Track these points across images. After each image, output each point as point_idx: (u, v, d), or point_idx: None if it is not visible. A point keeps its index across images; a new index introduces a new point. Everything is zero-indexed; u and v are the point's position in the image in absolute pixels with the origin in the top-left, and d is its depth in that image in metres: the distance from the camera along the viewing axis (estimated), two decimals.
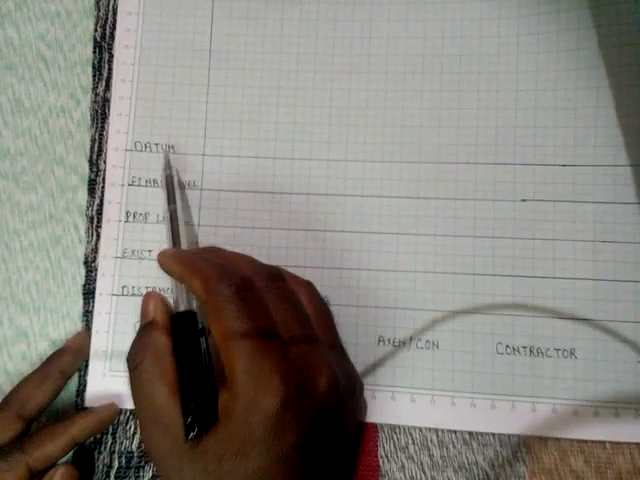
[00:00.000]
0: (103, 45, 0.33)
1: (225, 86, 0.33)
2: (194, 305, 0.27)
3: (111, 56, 0.33)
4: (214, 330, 0.25)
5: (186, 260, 0.27)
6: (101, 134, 0.33)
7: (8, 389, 0.29)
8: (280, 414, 0.23)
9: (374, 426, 0.30)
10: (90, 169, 0.33)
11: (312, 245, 0.31)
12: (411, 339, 0.30)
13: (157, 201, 0.32)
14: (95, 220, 0.32)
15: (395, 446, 0.29)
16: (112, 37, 0.33)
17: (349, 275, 0.31)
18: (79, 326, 0.31)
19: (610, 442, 0.29)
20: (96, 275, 0.31)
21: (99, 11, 0.34)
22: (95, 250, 0.32)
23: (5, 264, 0.32)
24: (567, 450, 0.29)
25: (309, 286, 0.29)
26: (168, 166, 0.31)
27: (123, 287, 0.31)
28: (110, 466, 0.30)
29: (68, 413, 0.31)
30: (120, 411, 0.30)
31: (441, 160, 0.31)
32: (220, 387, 0.24)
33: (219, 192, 0.32)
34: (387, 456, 0.29)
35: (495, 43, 0.32)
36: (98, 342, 0.31)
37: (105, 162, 0.32)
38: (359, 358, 0.30)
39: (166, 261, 0.28)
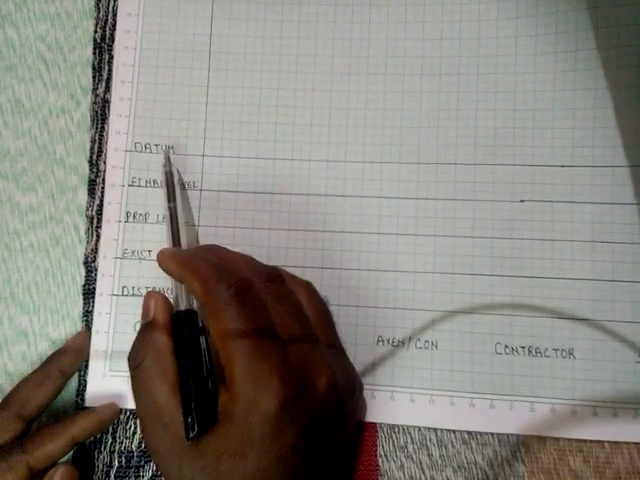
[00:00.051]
0: (103, 46, 0.34)
1: (225, 87, 0.33)
2: (194, 304, 0.27)
3: (111, 57, 0.33)
4: (213, 331, 0.25)
5: (185, 260, 0.27)
6: (101, 135, 0.33)
7: (8, 389, 0.29)
8: (279, 415, 0.23)
9: (373, 426, 0.30)
10: (90, 170, 0.33)
11: (311, 245, 0.31)
12: (410, 339, 0.30)
13: (157, 202, 0.32)
14: (95, 220, 0.32)
15: (394, 446, 0.30)
16: (112, 38, 0.33)
17: (348, 275, 0.31)
18: (79, 326, 0.32)
19: (609, 442, 0.29)
20: (96, 275, 0.31)
21: (99, 12, 0.34)
22: (95, 250, 0.32)
23: (5, 264, 0.32)
24: (566, 450, 0.29)
25: (308, 286, 0.29)
26: (168, 163, 0.31)
27: (123, 287, 0.31)
28: (110, 465, 0.30)
29: (68, 413, 0.31)
30: (120, 411, 0.30)
31: (440, 161, 0.31)
32: (220, 387, 0.25)
33: (219, 193, 0.32)
34: (386, 455, 0.30)
35: (494, 44, 0.32)
36: (98, 342, 0.31)
37: (105, 163, 0.32)
38: (358, 358, 0.30)
39: (165, 261, 0.28)
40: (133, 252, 0.31)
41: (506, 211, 0.31)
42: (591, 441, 0.29)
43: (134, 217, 0.32)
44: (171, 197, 0.30)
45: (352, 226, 0.31)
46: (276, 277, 0.28)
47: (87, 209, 0.32)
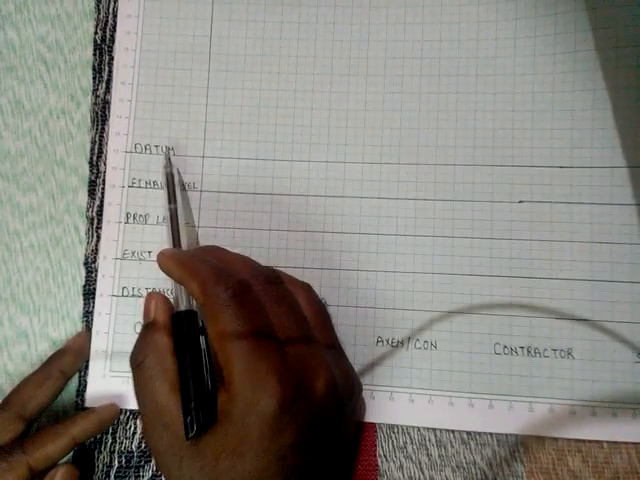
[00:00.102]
0: (103, 47, 0.34)
1: (225, 88, 0.33)
2: (194, 304, 0.27)
3: (111, 58, 0.33)
4: (211, 332, 0.25)
5: (184, 262, 0.27)
6: (101, 136, 0.33)
7: (8, 389, 0.29)
8: (277, 415, 0.23)
9: (373, 426, 0.30)
10: (90, 171, 0.33)
11: (311, 246, 0.31)
12: (409, 339, 0.30)
13: (157, 203, 0.32)
14: (95, 221, 0.32)
15: (393, 446, 0.30)
16: (112, 39, 0.34)
17: (348, 276, 0.31)
18: (79, 327, 0.32)
19: (607, 442, 0.29)
20: (96, 276, 0.32)
21: (99, 14, 0.34)
22: (95, 251, 0.32)
23: (5, 265, 0.32)
24: (565, 450, 0.29)
25: (307, 288, 0.29)
26: (169, 164, 0.31)
27: (123, 288, 0.31)
28: (110, 466, 0.30)
29: (68, 413, 0.31)
30: (120, 411, 0.30)
31: (439, 162, 0.31)
32: (219, 387, 0.25)
33: (219, 194, 0.32)
34: (386, 456, 0.30)
35: (492, 46, 0.32)
36: (98, 343, 0.31)
37: (105, 164, 0.33)
38: (358, 358, 0.30)
39: (165, 262, 0.28)
40: (133, 253, 0.32)
41: (505, 212, 0.31)
42: (590, 441, 0.29)
43: (134, 218, 0.32)
44: (171, 198, 0.30)
45: (351, 227, 0.31)
46: (274, 278, 0.28)
47: (87, 210, 0.33)
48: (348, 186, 0.32)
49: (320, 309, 0.29)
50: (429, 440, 0.30)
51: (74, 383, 0.31)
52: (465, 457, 0.29)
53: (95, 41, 0.34)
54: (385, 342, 0.30)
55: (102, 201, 0.32)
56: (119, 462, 0.30)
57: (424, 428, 0.30)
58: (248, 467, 0.23)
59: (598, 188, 0.30)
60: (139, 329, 0.30)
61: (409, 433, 0.30)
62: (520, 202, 0.31)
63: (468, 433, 0.29)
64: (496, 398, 0.29)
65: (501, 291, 0.30)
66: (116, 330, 0.31)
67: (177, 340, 0.26)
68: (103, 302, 0.31)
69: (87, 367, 0.31)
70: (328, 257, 0.31)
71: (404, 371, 0.30)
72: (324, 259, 0.31)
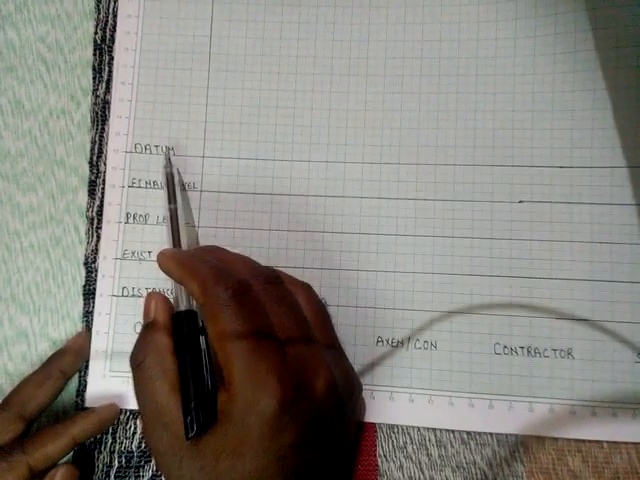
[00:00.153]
0: (103, 47, 0.34)
1: (225, 88, 0.33)
2: (194, 304, 0.27)
3: (111, 58, 0.33)
4: (211, 332, 0.25)
5: (184, 262, 0.27)
6: (101, 136, 0.33)
7: (8, 389, 0.29)
8: (277, 415, 0.23)
9: (373, 426, 0.30)
10: (90, 171, 0.33)
11: (311, 246, 0.31)
12: (409, 339, 0.30)
13: (157, 203, 0.32)
14: (95, 221, 0.32)
15: (393, 446, 0.30)
16: (112, 39, 0.34)
17: (348, 276, 0.31)
18: (79, 327, 0.32)
19: (607, 442, 0.29)
20: (96, 276, 0.32)
21: (99, 14, 0.34)
22: (95, 251, 0.32)
23: (5, 265, 0.32)
24: (565, 450, 0.29)
25: (307, 288, 0.29)
26: (169, 164, 0.31)
27: (123, 288, 0.31)
28: (110, 466, 0.30)
29: (68, 413, 0.31)
30: (120, 411, 0.30)
31: (439, 162, 0.31)
32: (219, 387, 0.25)
33: (219, 194, 0.32)
34: (386, 456, 0.30)
35: (492, 46, 0.32)
36: (98, 343, 0.31)
37: (105, 164, 0.33)
38: (358, 358, 0.30)
39: (165, 262, 0.28)
40: (133, 253, 0.32)
41: (505, 212, 0.31)
42: (590, 441, 0.29)
43: (134, 218, 0.32)
44: (171, 198, 0.30)
45: (351, 227, 0.31)
46: (274, 279, 0.28)
47: (87, 210, 0.33)
48: (348, 186, 0.32)
49: (320, 309, 0.29)
50: (429, 440, 0.30)
51: (74, 383, 0.31)
52: (465, 457, 0.29)
53: (95, 41, 0.34)
54: (385, 342, 0.30)
55: (102, 201, 0.32)
56: (119, 462, 0.30)
57: (424, 428, 0.30)
58: (248, 467, 0.23)
59: (598, 188, 0.30)
60: (139, 329, 0.30)
61: (409, 433, 0.30)
62: (520, 202, 0.31)
63: (468, 433, 0.30)
64: (496, 398, 0.29)
65: (501, 291, 0.30)
66: (116, 330, 0.31)
67: (177, 340, 0.26)
68: (103, 302, 0.31)
69: (87, 367, 0.31)
70: (328, 257, 0.31)
71: (404, 371, 0.30)
72: (324, 259, 0.31)
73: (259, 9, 0.33)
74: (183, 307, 0.27)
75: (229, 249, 0.30)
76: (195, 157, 0.32)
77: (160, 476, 0.30)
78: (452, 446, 0.29)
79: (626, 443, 0.29)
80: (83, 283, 0.32)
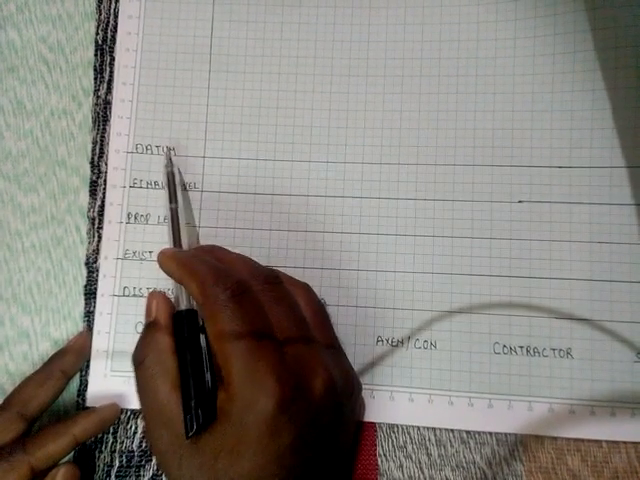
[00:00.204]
0: (104, 48, 0.34)
1: (225, 89, 0.33)
2: (195, 303, 0.27)
3: (112, 59, 0.34)
4: (210, 333, 0.25)
5: (184, 262, 0.27)
6: (102, 136, 0.33)
7: (10, 389, 0.29)
8: (275, 415, 0.23)
9: (373, 425, 0.30)
10: (91, 171, 0.33)
11: (311, 246, 0.32)
12: (409, 339, 0.30)
13: (158, 203, 0.32)
14: (96, 221, 0.32)
15: (393, 445, 0.30)
16: (113, 40, 0.34)
17: (348, 276, 0.31)
18: (80, 326, 0.32)
19: (607, 441, 0.29)
20: (97, 276, 0.32)
21: (100, 14, 0.34)
22: (96, 251, 0.32)
23: (7, 265, 0.32)
24: (564, 449, 0.29)
25: (306, 288, 0.29)
26: (170, 164, 0.31)
27: (124, 288, 0.31)
28: (111, 465, 0.30)
29: (70, 413, 0.31)
30: (121, 411, 0.30)
31: (439, 162, 0.32)
32: (219, 386, 0.25)
33: (219, 194, 0.32)
34: (385, 455, 0.30)
35: (492, 46, 0.32)
36: (99, 342, 0.31)
37: (106, 164, 0.33)
38: (358, 358, 0.30)
39: (165, 261, 0.28)
40: (134, 253, 0.32)
41: (504, 212, 0.31)
42: (589, 440, 0.29)
43: (135, 218, 0.32)
44: (172, 198, 0.30)
45: (351, 227, 0.31)
46: (274, 279, 0.28)
47: (88, 210, 0.33)
48: (348, 186, 0.32)
49: (319, 309, 0.29)
50: (429, 439, 0.30)
51: (75, 383, 0.31)
52: (465, 456, 0.29)
53: (96, 42, 0.34)
54: (385, 342, 0.30)
55: (103, 201, 0.32)
56: (120, 461, 0.30)
57: (424, 427, 0.30)
58: (246, 466, 0.23)
59: (597, 188, 0.30)
60: (140, 329, 0.30)
61: (409, 432, 0.30)
62: (519, 202, 0.31)
63: (468, 432, 0.30)
64: (495, 397, 0.29)
65: (500, 291, 0.30)
66: (117, 330, 0.31)
67: (178, 339, 0.26)
68: (104, 302, 0.31)
69: (88, 367, 0.31)
70: (328, 257, 0.31)
71: (404, 371, 0.30)
72: (324, 259, 0.31)
73: (259, 10, 0.33)
74: (184, 306, 0.27)
75: (230, 249, 0.30)
76: (196, 157, 0.32)
77: (161, 475, 0.30)
78: (452, 445, 0.30)
79: (625, 442, 0.29)
80: (84, 283, 0.32)
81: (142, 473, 0.30)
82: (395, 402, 0.30)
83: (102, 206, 0.32)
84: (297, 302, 0.28)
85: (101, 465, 0.30)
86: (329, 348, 0.28)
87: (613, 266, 0.30)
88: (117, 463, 0.30)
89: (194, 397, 0.24)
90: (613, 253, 0.30)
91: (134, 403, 0.30)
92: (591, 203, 0.30)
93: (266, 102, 0.33)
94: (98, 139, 0.33)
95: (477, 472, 0.29)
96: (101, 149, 0.33)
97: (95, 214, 0.32)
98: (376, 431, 0.30)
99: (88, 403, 0.31)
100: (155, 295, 0.28)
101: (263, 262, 0.30)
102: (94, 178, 0.33)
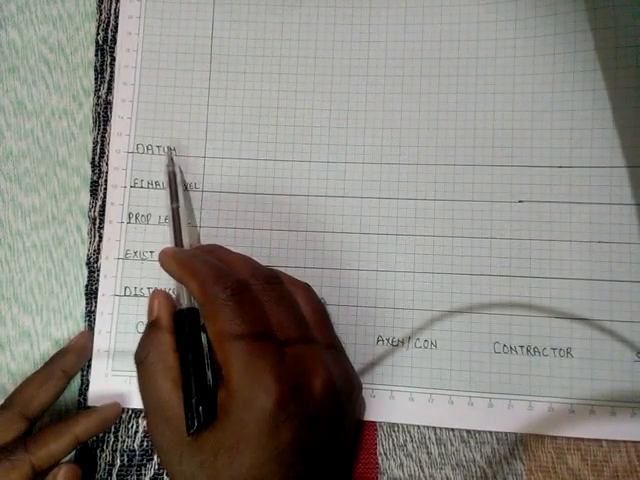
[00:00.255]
0: (105, 48, 0.34)
1: (226, 89, 0.33)
2: (196, 302, 0.28)
3: (113, 59, 0.34)
4: (210, 332, 0.25)
5: (185, 261, 0.27)
6: (103, 136, 0.33)
7: (11, 389, 0.29)
8: (275, 413, 0.23)
9: (373, 424, 0.30)
10: (92, 171, 0.33)
11: (312, 246, 0.32)
12: (409, 339, 0.30)
13: (159, 203, 0.32)
14: (97, 221, 0.32)
15: (394, 444, 0.30)
16: (114, 40, 0.34)
17: (348, 276, 0.31)
18: (82, 326, 0.32)
19: (607, 440, 0.29)
20: (98, 276, 0.32)
21: (101, 14, 0.34)
22: (97, 251, 0.32)
23: (8, 265, 0.32)
24: (564, 448, 0.29)
25: (306, 288, 0.29)
26: (171, 163, 0.31)
27: (125, 288, 0.31)
28: (112, 464, 0.30)
29: (71, 412, 0.31)
30: (122, 410, 0.30)
31: (439, 162, 0.32)
32: (220, 383, 0.25)
33: (220, 194, 0.32)
34: (386, 454, 0.30)
35: (492, 46, 0.32)
36: (100, 342, 0.31)
37: (107, 164, 0.33)
38: (358, 357, 0.30)
39: (166, 261, 0.28)
40: (135, 253, 0.32)
41: (505, 211, 0.31)
42: (589, 440, 0.29)
43: (136, 218, 0.32)
44: (174, 197, 0.30)
45: (352, 227, 0.32)
46: (274, 279, 0.28)
47: (89, 210, 0.33)
48: (348, 186, 0.32)
49: (319, 309, 0.29)
50: (429, 438, 0.30)
51: (76, 382, 0.31)
52: (465, 455, 0.29)
53: (97, 42, 0.34)
54: (385, 341, 0.30)
55: (104, 201, 0.32)
56: (121, 461, 0.30)
57: (424, 426, 0.30)
58: (246, 464, 0.23)
59: (597, 188, 0.31)
60: (141, 328, 0.30)
61: (409, 431, 0.30)
62: (520, 202, 0.31)
63: (468, 431, 0.30)
64: (496, 397, 0.29)
65: (500, 290, 0.30)
66: (118, 329, 0.31)
67: (179, 338, 0.27)
68: (105, 302, 0.31)
69: (89, 366, 0.31)
70: (329, 257, 0.31)
71: (404, 370, 0.30)
72: (325, 259, 0.31)
73: (260, 10, 0.33)
74: (185, 305, 0.27)
75: (230, 249, 0.30)
76: (196, 157, 0.33)
77: (162, 475, 0.30)
78: (452, 444, 0.30)
79: (625, 442, 0.29)
80: (85, 283, 0.32)
81: (143, 472, 0.30)
82: (395, 401, 0.30)
83: (103, 206, 0.32)
84: (297, 302, 0.28)
85: (102, 464, 0.30)
86: (329, 348, 0.28)
87: (613, 266, 0.30)
88: (118, 462, 0.30)
89: (195, 395, 0.24)
90: (613, 253, 0.30)
91: (135, 402, 0.30)
92: (591, 203, 0.30)
93: (266, 102, 0.33)
94: (99, 139, 0.33)
95: (477, 471, 0.29)
96: (102, 149, 0.33)
97: (96, 214, 0.33)
98: (376, 430, 0.30)
99: (89, 403, 0.31)
100: (157, 294, 0.28)
101: (264, 262, 0.30)
102: (95, 178, 0.33)
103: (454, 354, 0.30)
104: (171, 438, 0.24)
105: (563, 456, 0.29)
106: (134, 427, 0.31)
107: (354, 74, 0.33)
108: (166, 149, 0.32)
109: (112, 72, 0.33)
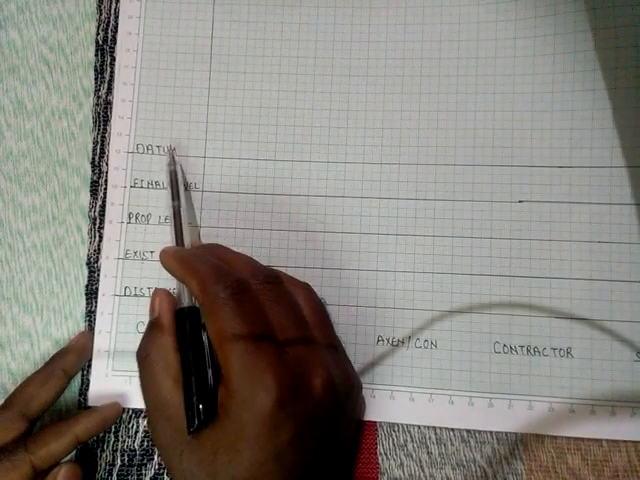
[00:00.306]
0: (105, 48, 0.34)
1: (226, 89, 0.33)
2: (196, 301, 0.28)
3: (113, 59, 0.34)
4: (210, 331, 0.25)
5: (185, 260, 0.27)
6: (103, 136, 0.33)
7: (12, 389, 0.29)
8: (274, 413, 0.23)
9: (373, 424, 0.30)
10: (92, 171, 0.33)
11: (312, 246, 0.32)
12: (410, 338, 0.30)
13: (159, 203, 0.32)
14: (97, 221, 0.32)
15: (394, 444, 0.30)
16: (114, 40, 0.34)
17: (348, 275, 0.31)
18: (82, 326, 0.32)
19: (607, 440, 0.29)
20: (99, 276, 0.32)
21: (101, 14, 0.34)
22: (97, 251, 0.32)
23: (8, 265, 0.32)
24: (564, 448, 0.29)
25: (306, 288, 0.29)
26: (172, 162, 0.31)
27: (125, 288, 0.31)
28: (113, 464, 0.30)
29: (71, 412, 0.31)
30: (123, 410, 0.30)
31: (439, 162, 0.32)
32: (220, 382, 0.25)
33: (220, 194, 0.32)
34: (386, 454, 0.30)
35: (492, 46, 0.32)
36: (101, 342, 0.31)
37: (107, 164, 0.33)
38: (358, 357, 0.30)
39: (167, 260, 0.28)
40: (135, 253, 0.32)
41: (505, 211, 0.31)
42: (589, 439, 0.29)
43: (136, 218, 0.32)
44: (175, 196, 0.30)
45: (352, 227, 0.32)
46: (274, 278, 0.28)
47: (90, 210, 0.33)
48: (348, 186, 0.32)
49: (319, 309, 0.29)
50: (429, 438, 0.30)
51: (77, 382, 0.31)
52: (465, 455, 0.29)
53: (97, 42, 0.34)
54: (385, 341, 0.30)
55: (104, 201, 0.32)
56: (122, 460, 0.30)
57: (424, 426, 0.30)
58: (245, 463, 0.23)
59: (597, 188, 0.31)
60: (141, 328, 0.31)
61: (409, 431, 0.30)
62: (520, 202, 0.31)
63: (468, 431, 0.30)
64: (496, 397, 0.29)
65: (501, 290, 0.30)
66: (118, 329, 0.31)
67: (180, 336, 0.27)
68: (105, 302, 0.31)
69: (90, 366, 0.31)
70: (329, 257, 0.31)
71: (404, 370, 0.30)
72: (325, 259, 0.31)
73: (260, 10, 0.33)
74: (186, 304, 0.27)
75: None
76: (196, 157, 0.33)
77: (162, 474, 0.30)
78: (452, 444, 0.30)
79: (625, 441, 0.29)
80: (85, 283, 0.32)
81: (144, 472, 0.30)
82: (396, 401, 0.30)
83: (103, 206, 0.32)
84: (297, 302, 0.28)
85: (103, 464, 0.30)
86: (329, 348, 0.28)
87: (613, 266, 0.30)
88: (119, 462, 0.30)
89: (196, 393, 0.24)
90: (613, 253, 0.30)
91: (136, 402, 0.30)
92: (591, 203, 0.30)
93: (266, 102, 0.33)
94: (99, 139, 0.33)
95: (477, 471, 0.29)
96: (102, 149, 0.33)
97: (96, 214, 0.33)
98: (377, 430, 0.30)
99: (90, 402, 0.31)
100: (159, 293, 0.28)
101: (264, 262, 0.30)
102: (95, 178, 0.33)
103: (454, 354, 0.30)
104: (171, 436, 0.24)
105: (563, 456, 0.29)
106: (134, 427, 0.31)
107: (354, 74, 0.33)
108: (167, 148, 0.32)
109: (112, 72, 0.33)
